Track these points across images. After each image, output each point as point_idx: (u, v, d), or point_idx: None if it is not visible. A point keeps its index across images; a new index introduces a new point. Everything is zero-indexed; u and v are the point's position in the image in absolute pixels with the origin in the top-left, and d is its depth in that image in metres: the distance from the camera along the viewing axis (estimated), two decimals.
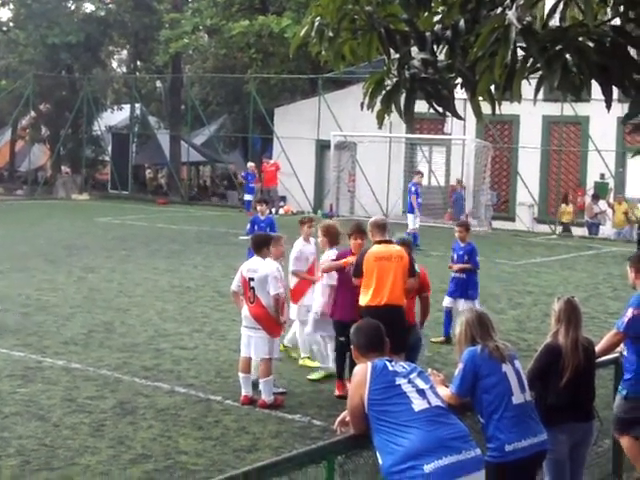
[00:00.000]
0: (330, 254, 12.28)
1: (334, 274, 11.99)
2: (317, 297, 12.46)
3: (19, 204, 40.87)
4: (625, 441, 8.32)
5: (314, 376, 12.46)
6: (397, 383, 5.84)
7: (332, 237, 12.38)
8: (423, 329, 12.49)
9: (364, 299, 10.82)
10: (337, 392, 11.58)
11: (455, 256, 15.12)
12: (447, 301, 14.90)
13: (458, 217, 29.93)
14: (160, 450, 9.62)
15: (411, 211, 28.14)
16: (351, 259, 11.34)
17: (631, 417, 8.18)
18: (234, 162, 47.69)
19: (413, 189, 28.78)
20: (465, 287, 14.87)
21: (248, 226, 19.18)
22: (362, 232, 11.71)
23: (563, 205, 33.65)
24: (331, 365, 12.31)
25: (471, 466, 5.67)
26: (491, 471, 6.02)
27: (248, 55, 41.52)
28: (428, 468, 5.53)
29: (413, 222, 27.69)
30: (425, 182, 33.54)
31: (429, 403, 5.80)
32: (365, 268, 10.83)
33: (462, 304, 14.66)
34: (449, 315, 14.73)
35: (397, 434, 5.67)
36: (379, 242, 11.05)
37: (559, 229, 33.48)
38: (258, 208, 19.33)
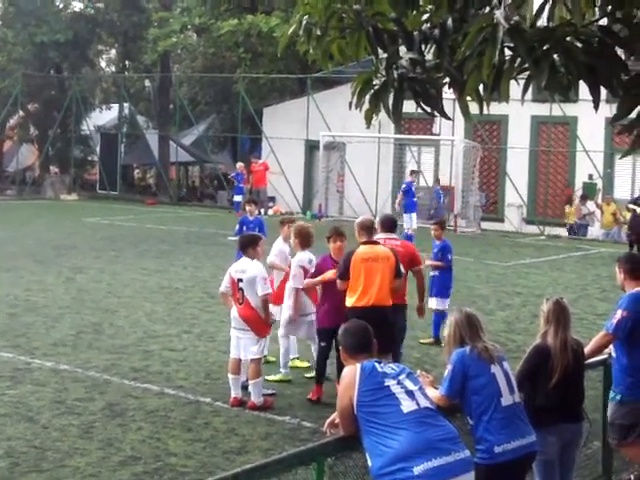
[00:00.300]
0: (302, 256, 12.26)
1: (300, 277, 12.01)
2: (286, 300, 12.45)
3: (7, 204, 40.76)
4: (628, 451, 8.21)
5: (272, 377, 12.31)
6: (386, 384, 5.83)
7: (303, 239, 12.31)
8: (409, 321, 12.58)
9: (350, 300, 10.77)
10: (310, 396, 11.52)
11: (431, 254, 15.16)
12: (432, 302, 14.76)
13: (438, 215, 29.97)
14: (149, 452, 9.60)
15: (409, 210, 28.45)
16: (332, 273, 11.29)
17: (630, 423, 8.04)
18: (223, 162, 47.64)
19: (404, 186, 29.14)
20: (438, 285, 14.84)
21: (237, 227, 19.13)
22: (341, 235, 11.63)
23: (567, 206, 33.56)
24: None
25: (460, 468, 5.67)
26: (480, 473, 6.02)
27: (237, 54, 41.48)
28: (417, 470, 5.52)
29: (410, 222, 27.90)
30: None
31: (418, 404, 5.80)
32: (352, 269, 10.79)
33: (434, 302, 14.69)
34: (438, 316, 14.74)
35: (386, 436, 5.66)
36: (365, 243, 11.03)
37: (565, 231, 33.25)
38: (247, 208, 19.28)
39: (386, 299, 10.87)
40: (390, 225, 12.11)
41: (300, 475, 5.86)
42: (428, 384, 6.53)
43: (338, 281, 10.93)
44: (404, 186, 30.46)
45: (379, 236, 11.80)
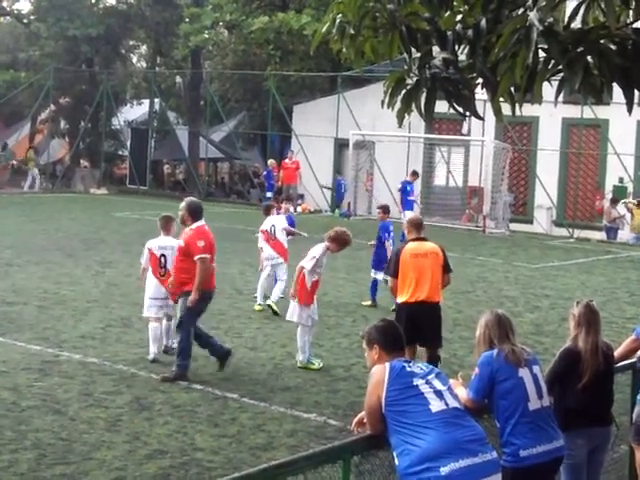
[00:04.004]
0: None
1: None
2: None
3: (37, 197, 40.96)
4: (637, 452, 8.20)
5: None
6: (415, 384, 5.84)
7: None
8: None
9: (402, 297, 10.98)
10: None
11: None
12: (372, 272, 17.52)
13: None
14: (176, 446, 9.65)
15: (407, 208, 29.15)
16: None
17: None
18: (252, 159, 47.68)
19: (399, 186, 30.01)
20: (376, 259, 17.49)
21: None
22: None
23: (606, 203, 33.37)
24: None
25: (487, 469, 5.67)
26: (506, 476, 6.01)
27: (267, 52, 41.50)
28: (444, 470, 5.52)
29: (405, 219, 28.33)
30: (443, 183, 33.66)
31: (446, 404, 5.80)
32: (401, 266, 10.96)
33: (372, 272, 17.58)
34: (374, 283, 17.52)
35: (414, 435, 5.66)
36: (414, 240, 11.21)
37: (596, 234, 33.00)
38: (283, 206, 19.22)
39: (436, 295, 11.19)
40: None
41: (326, 473, 5.86)
42: (458, 384, 6.53)
43: (389, 279, 11.19)
44: (399, 185, 31.27)
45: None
